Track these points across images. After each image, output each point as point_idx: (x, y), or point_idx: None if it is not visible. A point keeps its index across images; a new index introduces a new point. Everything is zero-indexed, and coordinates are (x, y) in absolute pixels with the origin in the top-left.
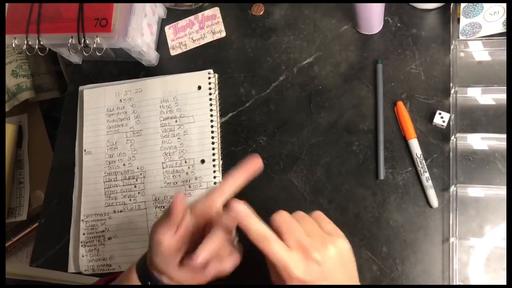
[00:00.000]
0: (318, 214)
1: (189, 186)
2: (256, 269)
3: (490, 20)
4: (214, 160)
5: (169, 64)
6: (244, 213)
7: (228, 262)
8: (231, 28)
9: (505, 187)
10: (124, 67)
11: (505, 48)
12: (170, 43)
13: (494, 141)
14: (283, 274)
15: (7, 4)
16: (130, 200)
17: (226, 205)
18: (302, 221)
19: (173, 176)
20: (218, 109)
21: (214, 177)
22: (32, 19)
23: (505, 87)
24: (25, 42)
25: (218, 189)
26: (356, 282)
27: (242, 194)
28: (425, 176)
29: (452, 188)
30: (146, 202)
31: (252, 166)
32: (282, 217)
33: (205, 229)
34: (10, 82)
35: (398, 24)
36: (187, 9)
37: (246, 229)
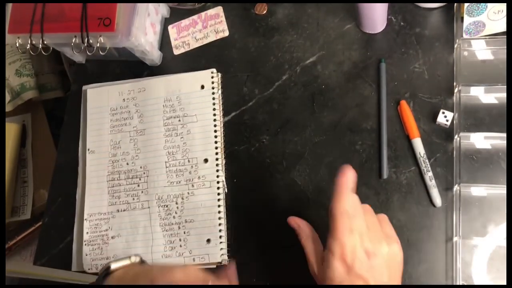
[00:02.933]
0: (383, 216)
1: (192, 185)
2: None
3: (494, 19)
4: (217, 159)
5: (172, 63)
6: (347, 181)
7: None
8: (234, 27)
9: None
10: (127, 67)
11: None
12: (173, 43)
13: (497, 140)
14: (336, 250)
15: (11, 4)
16: (134, 199)
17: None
18: (366, 213)
19: (176, 175)
20: (221, 108)
21: (217, 176)
22: (35, 19)
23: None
24: (29, 41)
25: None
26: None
27: (244, 194)
28: (429, 175)
29: (456, 188)
30: (150, 201)
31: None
32: (353, 200)
33: None
34: (14, 81)
35: (402, 23)
36: (190, 8)
37: (337, 196)
